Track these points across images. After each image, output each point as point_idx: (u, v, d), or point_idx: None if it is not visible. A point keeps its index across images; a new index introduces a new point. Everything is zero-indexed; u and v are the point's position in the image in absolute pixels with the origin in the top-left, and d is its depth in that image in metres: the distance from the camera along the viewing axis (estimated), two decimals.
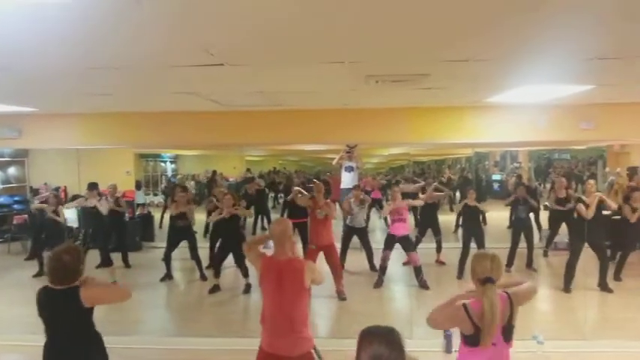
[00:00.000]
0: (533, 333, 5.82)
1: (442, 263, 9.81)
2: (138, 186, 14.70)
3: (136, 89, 5.56)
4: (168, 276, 9.10)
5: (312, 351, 3.68)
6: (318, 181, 9.26)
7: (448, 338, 5.61)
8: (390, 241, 8.26)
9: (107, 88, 5.38)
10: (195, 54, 3.72)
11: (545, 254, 10.54)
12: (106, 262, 8.88)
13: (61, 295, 3.16)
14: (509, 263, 9.12)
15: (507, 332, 2.88)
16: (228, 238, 8.24)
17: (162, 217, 13.45)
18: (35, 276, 9.10)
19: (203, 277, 8.99)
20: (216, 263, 8.38)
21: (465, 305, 2.86)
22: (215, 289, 8.17)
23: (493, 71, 4.65)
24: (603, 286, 7.89)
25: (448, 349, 5.57)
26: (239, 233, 8.36)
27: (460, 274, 8.64)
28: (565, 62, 4.24)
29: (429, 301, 7.41)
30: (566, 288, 7.93)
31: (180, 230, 8.88)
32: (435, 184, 10.58)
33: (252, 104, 6.85)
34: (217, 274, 8.25)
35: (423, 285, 8.05)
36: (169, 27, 3.04)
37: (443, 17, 2.94)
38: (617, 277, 8.47)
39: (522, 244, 9.23)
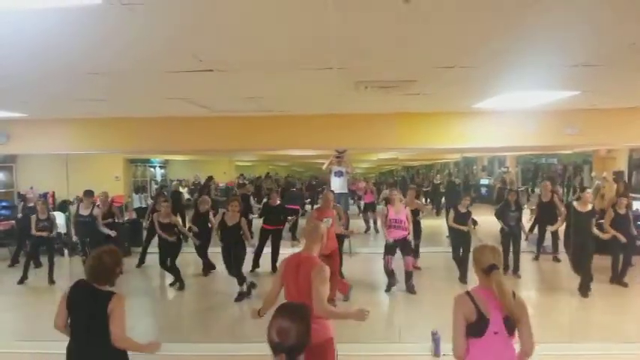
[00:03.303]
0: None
1: (417, 268, 9.74)
2: (136, 190, 14.67)
3: (126, 95, 5.59)
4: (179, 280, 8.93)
5: (332, 339, 3.71)
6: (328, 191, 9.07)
7: (437, 341, 5.63)
8: (388, 247, 8.21)
9: (97, 94, 5.39)
10: (185, 60, 3.76)
11: (537, 258, 10.57)
12: None
13: (95, 294, 3.28)
14: (504, 268, 9.19)
15: (509, 323, 2.92)
16: (229, 246, 8.13)
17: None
18: (19, 283, 8.91)
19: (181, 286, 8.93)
20: (232, 273, 8.23)
21: (467, 292, 2.97)
22: (241, 296, 8.03)
23: (479, 77, 4.74)
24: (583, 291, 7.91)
25: (437, 352, 5.60)
26: (240, 242, 8.18)
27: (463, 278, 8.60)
28: (551, 69, 4.34)
29: (417, 305, 7.47)
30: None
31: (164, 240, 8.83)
32: (408, 191, 10.33)
33: (242, 110, 6.89)
34: (241, 282, 8.14)
35: (410, 290, 8.06)
36: (160, 34, 3.09)
37: (429, 25, 3.00)
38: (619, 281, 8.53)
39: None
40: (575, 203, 7.97)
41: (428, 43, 3.46)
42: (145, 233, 12.51)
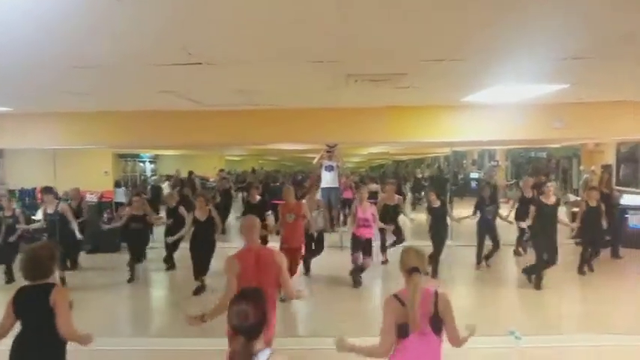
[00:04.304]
0: (509, 329, 5.91)
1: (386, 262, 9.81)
2: (117, 184, 14.49)
3: (115, 88, 5.54)
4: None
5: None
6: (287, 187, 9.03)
7: None
8: (356, 244, 8.25)
9: (85, 87, 5.34)
10: (174, 53, 3.74)
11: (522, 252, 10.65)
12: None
13: (35, 290, 3.24)
14: (479, 262, 9.31)
15: (435, 323, 3.02)
16: (200, 242, 8.16)
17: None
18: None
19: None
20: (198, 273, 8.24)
21: (394, 294, 3.08)
22: (199, 290, 8.04)
23: (469, 70, 4.75)
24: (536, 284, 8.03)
25: None
26: (211, 237, 8.12)
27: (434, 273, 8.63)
28: (540, 61, 4.36)
29: (372, 298, 7.49)
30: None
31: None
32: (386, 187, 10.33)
33: (231, 104, 6.86)
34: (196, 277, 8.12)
35: (356, 282, 8.22)
36: (148, 26, 3.06)
37: (419, 18, 3.01)
38: (585, 270, 8.73)
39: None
40: (541, 197, 8.07)
41: (418, 36, 3.47)
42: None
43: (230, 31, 3.22)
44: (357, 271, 8.27)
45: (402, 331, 2.98)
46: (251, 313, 2.33)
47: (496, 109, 7.33)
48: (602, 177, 11.85)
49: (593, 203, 8.67)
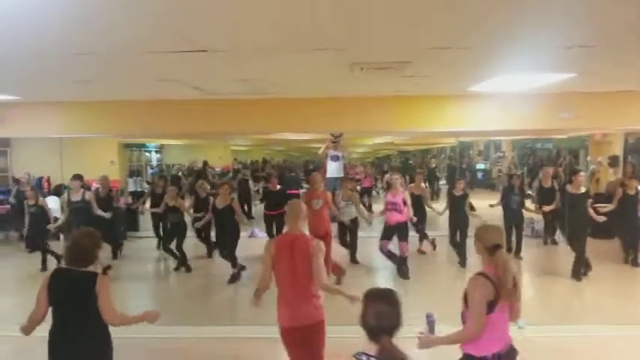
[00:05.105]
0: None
1: (423, 252, 9.84)
2: (130, 174, 14.58)
3: (119, 75, 5.53)
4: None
5: (324, 320, 3.83)
6: (315, 173, 9.15)
7: (431, 324, 5.64)
8: (385, 230, 8.19)
9: (90, 75, 5.33)
10: (177, 40, 3.72)
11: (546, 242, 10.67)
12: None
13: (78, 277, 3.24)
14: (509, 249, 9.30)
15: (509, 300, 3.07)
16: (223, 228, 8.23)
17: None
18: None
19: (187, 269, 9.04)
20: (225, 255, 8.34)
21: (481, 272, 3.05)
22: (234, 278, 8.12)
23: (475, 59, 4.71)
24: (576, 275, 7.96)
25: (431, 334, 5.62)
26: (233, 224, 8.16)
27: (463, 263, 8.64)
28: (547, 50, 4.31)
29: (412, 289, 7.50)
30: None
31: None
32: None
33: (236, 92, 6.84)
34: (234, 264, 8.14)
35: (403, 275, 8.10)
36: (151, 12, 3.04)
37: (424, 4, 2.98)
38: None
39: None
40: (568, 186, 8.00)
41: (424, 23, 3.43)
42: (141, 218, 12.57)
43: (234, 19, 3.20)
44: (390, 257, 8.24)
45: (490, 308, 2.99)
46: (394, 315, 2.37)
47: (502, 99, 7.27)
48: (625, 169, 11.80)
49: (632, 191, 8.66)
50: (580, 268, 7.76)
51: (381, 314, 2.36)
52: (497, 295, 2.96)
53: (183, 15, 3.09)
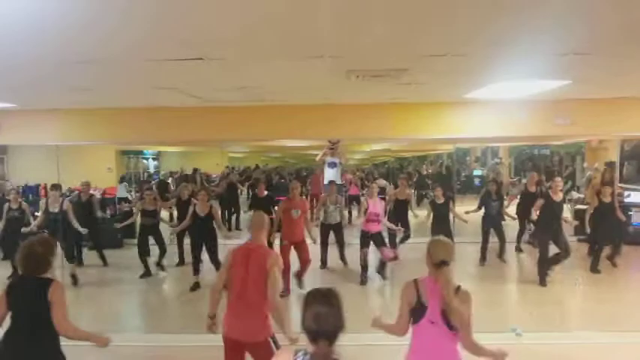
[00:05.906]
0: (511, 325, 5.93)
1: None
2: (121, 179, 14.55)
3: (116, 83, 5.53)
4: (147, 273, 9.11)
5: (270, 340, 3.71)
6: (294, 182, 9.24)
7: None
8: (364, 239, 8.36)
9: (87, 82, 5.33)
10: (174, 47, 3.73)
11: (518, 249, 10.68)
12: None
13: (33, 284, 3.23)
14: (483, 258, 9.33)
15: (446, 316, 2.97)
16: (202, 236, 8.23)
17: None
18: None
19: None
20: (194, 262, 8.35)
21: (414, 279, 3.10)
22: (196, 286, 8.14)
23: (471, 66, 4.73)
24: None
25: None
26: (213, 231, 8.25)
27: None
28: (542, 57, 4.33)
29: (393, 295, 7.50)
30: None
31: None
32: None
33: (233, 100, 6.85)
34: (196, 272, 8.25)
35: (382, 275, 8.48)
36: (147, 19, 3.05)
37: (420, 12, 2.99)
38: (594, 270, 8.65)
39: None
40: (550, 192, 8.12)
41: (420, 31, 3.45)
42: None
43: (230, 26, 3.21)
44: (362, 269, 8.40)
45: (415, 317, 3.02)
46: (331, 317, 2.24)
47: (498, 106, 7.29)
48: (604, 175, 11.85)
49: (607, 199, 8.68)
50: (545, 273, 8.00)
51: (319, 316, 2.22)
52: (422, 306, 2.98)
53: (180, 22, 3.10)
